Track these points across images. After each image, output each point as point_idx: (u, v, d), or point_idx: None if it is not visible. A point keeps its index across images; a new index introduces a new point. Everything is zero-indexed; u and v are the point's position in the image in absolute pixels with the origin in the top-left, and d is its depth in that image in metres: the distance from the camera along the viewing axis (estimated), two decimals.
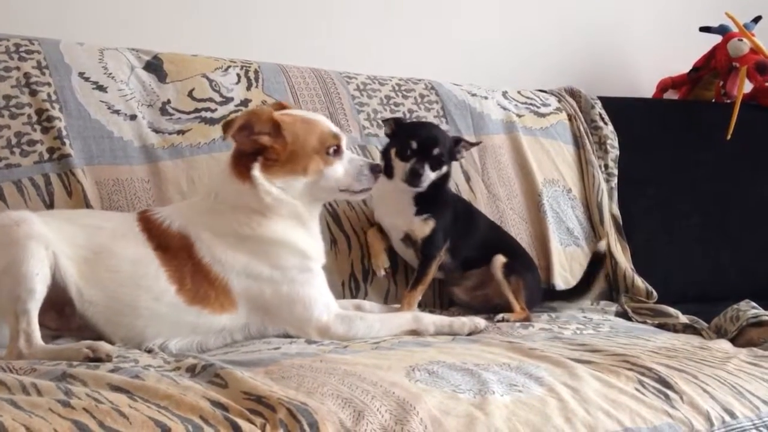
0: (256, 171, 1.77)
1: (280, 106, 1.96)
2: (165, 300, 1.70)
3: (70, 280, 1.66)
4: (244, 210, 1.77)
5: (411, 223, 2.16)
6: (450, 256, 2.21)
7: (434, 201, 2.17)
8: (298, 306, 1.78)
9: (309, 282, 1.80)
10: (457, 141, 2.22)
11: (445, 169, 2.15)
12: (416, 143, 2.10)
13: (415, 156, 2.09)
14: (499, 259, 2.19)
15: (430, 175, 2.10)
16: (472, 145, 2.31)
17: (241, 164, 1.79)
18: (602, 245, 2.49)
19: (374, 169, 1.88)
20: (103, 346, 1.52)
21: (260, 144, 1.77)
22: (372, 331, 1.82)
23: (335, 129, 1.87)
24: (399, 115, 2.46)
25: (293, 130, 1.79)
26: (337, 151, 1.84)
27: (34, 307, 1.57)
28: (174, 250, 1.74)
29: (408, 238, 2.18)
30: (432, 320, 1.91)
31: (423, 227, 2.15)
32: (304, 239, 1.83)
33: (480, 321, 1.97)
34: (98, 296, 1.68)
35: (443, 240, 2.18)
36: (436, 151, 2.10)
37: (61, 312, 1.70)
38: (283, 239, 1.79)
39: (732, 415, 1.51)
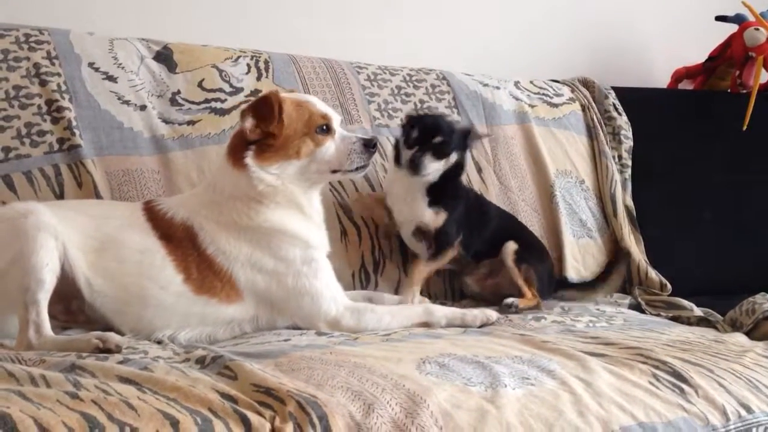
0: (249, 159, 1.77)
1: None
2: (172, 289, 1.70)
3: (79, 270, 1.66)
4: (242, 199, 1.77)
5: (423, 215, 2.14)
6: (463, 249, 2.19)
7: (447, 193, 2.15)
8: (305, 299, 1.77)
9: (315, 274, 1.79)
10: (468, 131, 2.19)
11: (454, 158, 2.12)
12: (417, 131, 2.08)
13: (417, 144, 2.07)
14: (510, 246, 2.17)
15: (433, 164, 2.07)
16: (481, 136, 2.27)
17: (236, 153, 1.79)
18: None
19: (368, 144, 1.84)
20: (113, 337, 1.52)
21: (266, 132, 1.77)
22: (382, 323, 1.81)
23: (324, 108, 1.85)
24: (412, 106, 2.44)
25: (289, 113, 1.79)
26: (328, 131, 1.82)
27: (44, 297, 1.57)
28: (178, 240, 1.74)
29: (419, 231, 2.16)
30: (443, 313, 1.89)
31: (436, 219, 2.13)
32: (305, 227, 1.81)
33: (492, 313, 1.96)
34: (107, 286, 1.68)
35: (456, 233, 2.16)
36: (437, 139, 2.07)
37: (69, 306, 1.70)
38: (282, 228, 1.78)
39: (748, 409, 1.49)
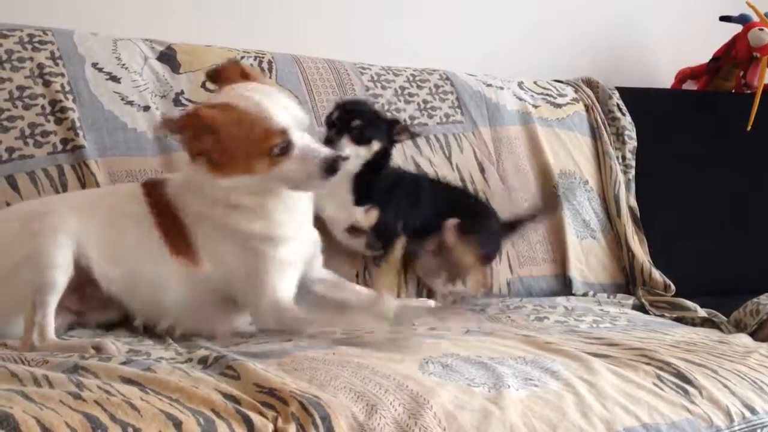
0: (203, 166, 1.66)
1: (244, 75, 1.78)
2: (168, 267, 1.69)
3: (95, 262, 1.66)
4: (209, 199, 1.70)
5: (353, 214, 2.04)
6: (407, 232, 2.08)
7: (374, 187, 2.03)
8: (255, 289, 1.71)
9: (270, 269, 1.71)
10: (394, 122, 2.09)
11: (376, 146, 2.01)
12: (337, 112, 2.02)
13: (335, 127, 2.00)
14: (451, 228, 2.10)
15: (351, 147, 1.97)
16: (409, 132, 2.11)
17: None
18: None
19: (328, 170, 1.64)
20: (109, 348, 1.50)
21: (202, 147, 1.63)
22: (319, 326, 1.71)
23: (278, 123, 1.61)
24: (415, 106, 2.43)
25: (228, 130, 1.60)
26: (285, 149, 1.62)
27: (53, 300, 1.56)
28: (168, 216, 1.71)
29: (354, 229, 2.06)
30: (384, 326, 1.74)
31: (368, 217, 2.04)
32: (270, 226, 1.72)
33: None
34: (118, 272, 1.68)
35: (396, 220, 2.06)
36: (355, 122, 1.98)
37: (83, 293, 1.69)
38: (247, 229, 1.70)
39: (752, 410, 1.48)
